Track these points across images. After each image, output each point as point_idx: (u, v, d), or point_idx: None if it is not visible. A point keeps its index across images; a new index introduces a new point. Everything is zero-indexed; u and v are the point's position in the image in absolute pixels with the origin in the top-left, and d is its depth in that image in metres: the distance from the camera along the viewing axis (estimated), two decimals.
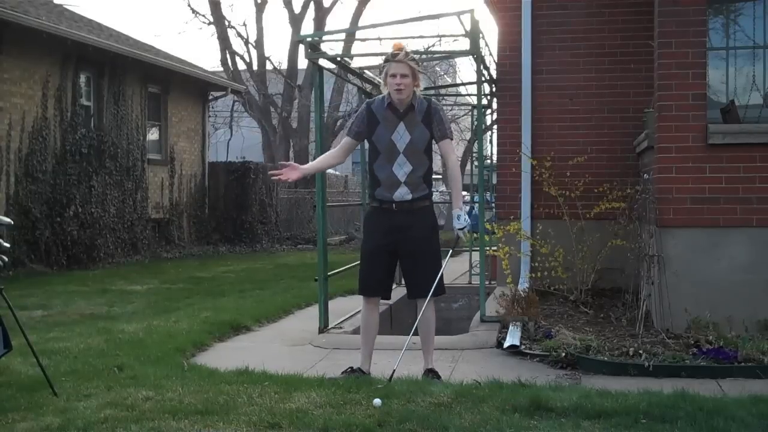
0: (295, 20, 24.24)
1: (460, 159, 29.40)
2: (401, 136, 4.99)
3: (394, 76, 4.91)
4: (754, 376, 5.14)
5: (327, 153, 5.46)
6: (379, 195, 5.09)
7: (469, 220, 5.07)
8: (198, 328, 6.84)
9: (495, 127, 10.93)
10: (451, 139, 5.08)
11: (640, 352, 5.50)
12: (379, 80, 5.28)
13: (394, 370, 4.77)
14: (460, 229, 5.00)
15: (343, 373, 5.09)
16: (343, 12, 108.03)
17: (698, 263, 6.29)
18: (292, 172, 5.02)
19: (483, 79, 7.87)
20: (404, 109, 5.00)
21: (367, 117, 5.07)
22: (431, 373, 5.11)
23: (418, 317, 5.12)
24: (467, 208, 5.05)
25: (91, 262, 13.87)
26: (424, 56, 13.10)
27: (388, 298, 5.38)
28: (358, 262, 5.39)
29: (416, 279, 5.07)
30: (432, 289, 4.98)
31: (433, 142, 5.06)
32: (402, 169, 4.99)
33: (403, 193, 5.00)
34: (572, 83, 8.39)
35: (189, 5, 34.03)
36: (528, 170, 8.21)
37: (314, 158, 6.08)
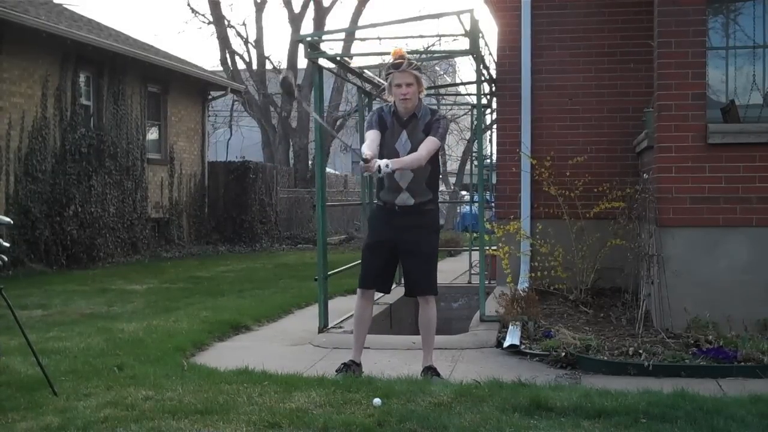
0: (295, 20, 24.23)
1: (460, 159, 29.38)
2: (403, 145, 5.08)
3: (399, 86, 4.97)
4: (754, 376, 5.14)
5: (369, 143, 4.97)
6: (383, 197, 5.22)
7: (387, 170, 4.73)
8: (198, 328, 6.85)
9: (495, 126, 10.93)
10: (438, 141, 5.02)
11: (640, 351, 5.50)
12: (380, 80, 5.30)
13: None
14: (379, 168, 4.72)
15: (337, 370, 5.12)
16: (343, 11, 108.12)
17: (698, 263, 6.29)
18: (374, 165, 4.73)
19: (482, 78, 7.87)
20: (408, 118, 5.08)
21: (379, 119, 5.13)
22: (430, 370, 5.13)
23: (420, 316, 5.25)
24: (390, 166, 4.82)
25: (91, 261, 13.87)
26: (423, 56, 13.11)
27: (388, 291, 5.46)
28: (358, 261, 5.44)
29: (412, 278, 5.19)
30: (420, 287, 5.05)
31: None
32: (404, 177, 5.08)
33: (404, 198, 5.10)
34: (572, 83, 8.39)
35: (189, 5, 33.91)
36: (528, 170, 8.21)
37: (314, 158, 6.10)
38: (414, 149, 5.03)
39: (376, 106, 5.71)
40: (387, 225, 5.13)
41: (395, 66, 4.98)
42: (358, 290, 5.29)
